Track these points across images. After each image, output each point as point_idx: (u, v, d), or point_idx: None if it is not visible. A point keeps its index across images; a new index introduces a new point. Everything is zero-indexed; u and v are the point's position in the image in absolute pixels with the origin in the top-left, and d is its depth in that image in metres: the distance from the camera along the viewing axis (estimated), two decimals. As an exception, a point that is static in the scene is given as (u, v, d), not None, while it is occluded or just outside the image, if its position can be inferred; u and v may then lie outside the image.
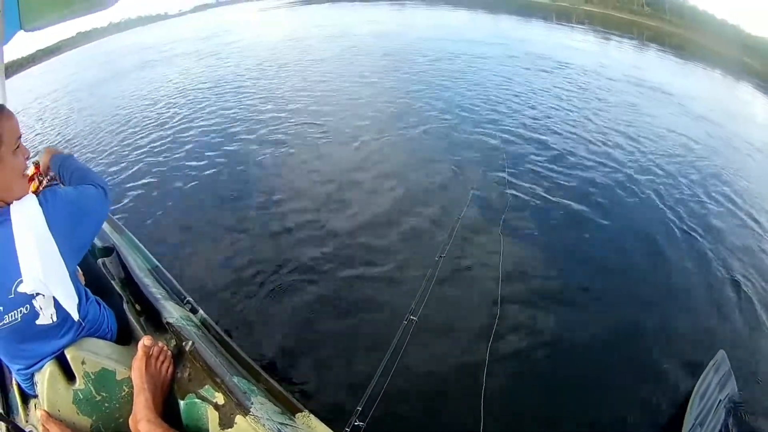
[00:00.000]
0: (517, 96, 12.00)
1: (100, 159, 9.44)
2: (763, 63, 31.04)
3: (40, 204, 1.53)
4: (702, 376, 3.76)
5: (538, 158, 8.04)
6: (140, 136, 10.40)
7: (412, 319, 3.67)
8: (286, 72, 15.59)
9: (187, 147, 9.17)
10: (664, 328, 4.55)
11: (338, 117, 10.13)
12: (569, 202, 6.56)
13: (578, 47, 22.82)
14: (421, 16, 34.46)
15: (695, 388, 3.66)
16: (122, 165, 8.78)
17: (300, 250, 5.52)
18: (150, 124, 11.29)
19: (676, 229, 6.26)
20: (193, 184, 7.44)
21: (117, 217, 4.21)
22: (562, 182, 7.22)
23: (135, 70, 20.48)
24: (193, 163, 8.28)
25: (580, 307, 4.80)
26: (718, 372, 3.80)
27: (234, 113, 11.25)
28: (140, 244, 3.12)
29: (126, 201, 7.08)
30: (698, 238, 6.14)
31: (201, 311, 2.55)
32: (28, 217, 1.48)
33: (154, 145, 9.62)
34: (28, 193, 1.60)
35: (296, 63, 16.92)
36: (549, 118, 10.42)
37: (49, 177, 2.42)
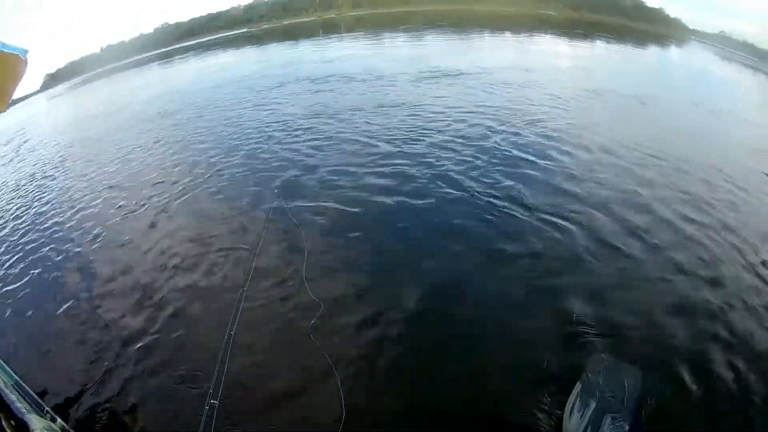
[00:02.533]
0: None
1: None
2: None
3: None
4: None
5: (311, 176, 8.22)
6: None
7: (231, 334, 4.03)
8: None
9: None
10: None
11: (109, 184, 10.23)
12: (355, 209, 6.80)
13: (357, 54, 23.39)
14: (192, 67, 35.27)
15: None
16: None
17: (125, 321, 5.59)
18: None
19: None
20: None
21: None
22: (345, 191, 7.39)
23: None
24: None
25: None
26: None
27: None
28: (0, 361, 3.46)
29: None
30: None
31: (59, 419, 3.14)
32: None
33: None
34: None
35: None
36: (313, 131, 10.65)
37: None
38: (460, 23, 38.58)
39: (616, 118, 11.05)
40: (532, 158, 8.12)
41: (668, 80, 17.26)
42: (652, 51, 33.71)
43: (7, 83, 3.86)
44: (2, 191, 13.29)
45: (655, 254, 5.71)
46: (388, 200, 6.86)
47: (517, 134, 9.30)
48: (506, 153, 8.46)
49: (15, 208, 11.25)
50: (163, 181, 9.46)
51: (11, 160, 18.71)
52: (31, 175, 14.14)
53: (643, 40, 37.75)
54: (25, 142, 21.93)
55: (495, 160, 8.07)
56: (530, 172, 7.63)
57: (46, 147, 18.47)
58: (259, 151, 9.95)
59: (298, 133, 10.70)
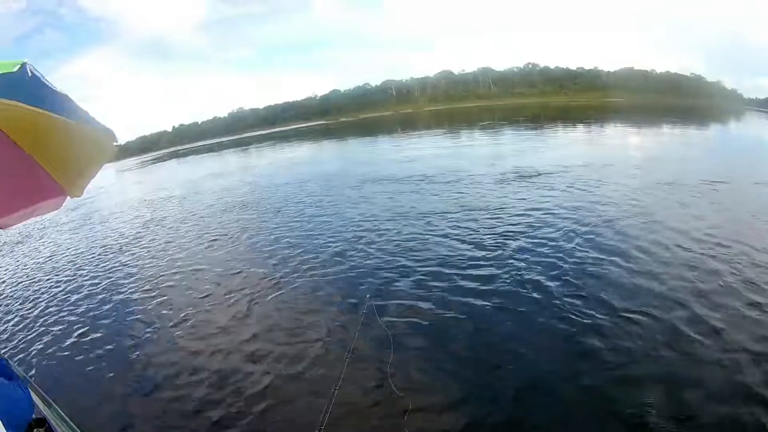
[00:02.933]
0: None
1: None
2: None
3: None
4: None
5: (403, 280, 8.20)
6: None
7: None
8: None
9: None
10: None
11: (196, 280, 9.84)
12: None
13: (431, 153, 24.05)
14: (270, 158, 36.92)
15: None
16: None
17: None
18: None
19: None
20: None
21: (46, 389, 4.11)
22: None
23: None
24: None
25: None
26: None
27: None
28: (68, 419, 3.34)
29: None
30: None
31: None
32: None
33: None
34: None
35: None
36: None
37: None
38: (534, 118, 40.63)
39: (690, 210, 11.07)
40: (612, 258, 8.26)
41: (733, 160, 17.93)
42: (715, 129, 35.35)
43: (91, 166, 3.63)
44: (74, 258, 13.59)
45: (729, 350, 5.60)
46: (477, 303, 6.99)
47: (596, 234, 9.50)
48: (587, 254, 8.58)
49: (89, 279, 11.31)
50: (250, 273, 9.60)
51: (80, 226, 19.57)
52: (104, 246, 14.38)
53: (704, 118, 41.07)
54: (95, 211, 22.98)
55: (577, 262, 8.20)
56: (611, 272, 7.73)
57: (119, 220, 19.20)
58: (348, 250, 10.00)
59: (385, 233, 10.84)
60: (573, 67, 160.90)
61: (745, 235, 8.90)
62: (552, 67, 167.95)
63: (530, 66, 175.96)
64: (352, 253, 9.75)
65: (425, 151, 24.94)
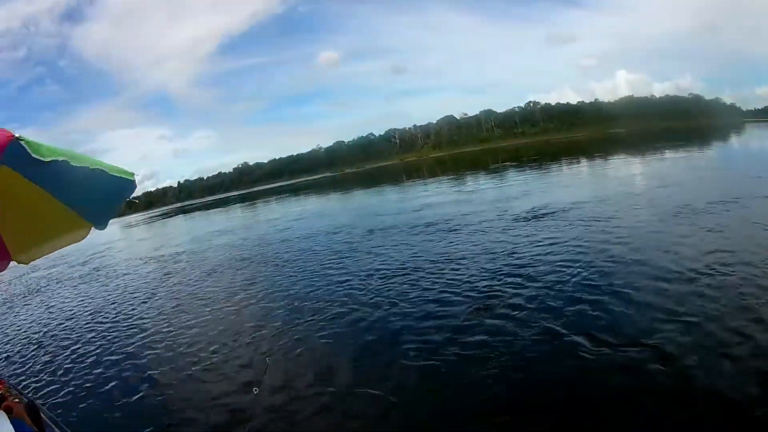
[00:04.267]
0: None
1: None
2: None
3: (13, 426, 2.08)
4: None
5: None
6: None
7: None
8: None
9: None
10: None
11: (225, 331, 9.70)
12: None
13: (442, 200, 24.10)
14: (278, 212, 36.69)
15: None
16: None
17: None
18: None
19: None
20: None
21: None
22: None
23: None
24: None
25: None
26: None
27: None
28: None
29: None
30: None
31: None
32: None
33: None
34: None
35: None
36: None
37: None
38: (537, 157, 41.75)
39: (703, 235, 10.81)
40: (627, 291, 7.96)
41: (739, 177, 18.15)
42: (718, 147, 36.95)
43: (53, 245, 3.98)
44: (86, 310, 13.80)
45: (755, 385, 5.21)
46: (512, 345, 6.70)
47: (609, 272, 9.10)
48: (603, 290, 8.21)
49: (103, 331, 11.34)
50: (261, 326, 9.41)
51: (91, 281, 19.62)
52: (113, 302, 14.38)
53: (706, 138, 41.30)
54: (104, 267, 23.17)
55: (595, 299, 7.85)
56: (628, 308, 7.37)
57: (128, 276, 19.10)
58: (363, 304, 9.50)
59: (396, 283, 10.46)
60: (574, 101, 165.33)
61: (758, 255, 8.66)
62: (553, 104, 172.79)
63: (531, 105, 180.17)
64: (365, 305, 9.42)
65: (431, 198, 25.22)
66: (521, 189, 23.38)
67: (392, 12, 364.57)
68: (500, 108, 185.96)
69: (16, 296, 19.75)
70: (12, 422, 1.93)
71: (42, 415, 3.24)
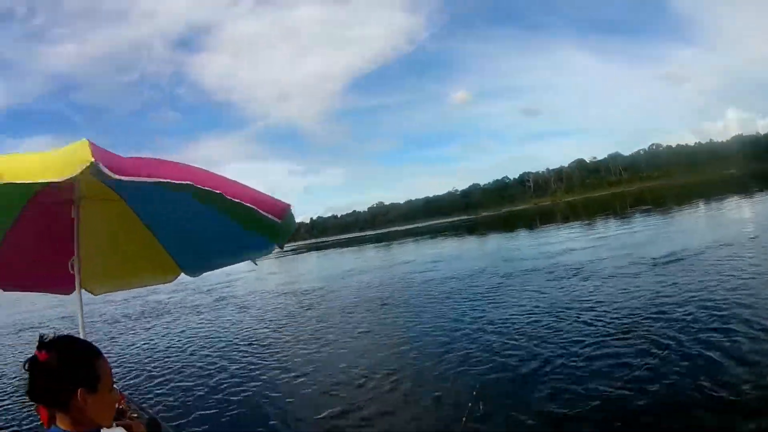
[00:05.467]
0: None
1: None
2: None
3: None
4: None
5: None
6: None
7: None
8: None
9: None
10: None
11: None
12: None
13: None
14: (413, 254, 37.59)
15: None
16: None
17: None
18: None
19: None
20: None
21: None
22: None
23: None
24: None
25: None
26: None
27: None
28: None
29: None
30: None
31: None
32: None
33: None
34: (112, 423, 1.86)
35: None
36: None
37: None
38: (660, 201, 43.61)
39: None
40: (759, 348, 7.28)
41: None
42: None
43: (133, 282, 4.02)
44: (210, 338, 14.36)
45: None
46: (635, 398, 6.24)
47: (735, 322, 8.37)
48: (737, 345, 7.44)
49: (228, 359, 11.47)
50: (398, 368, 9.07)
51: (218, 308, 20.23)
52: (248, 326, 15.30)
53: None
54: (231, 296, 23.85)
55: (726, 351, 7.21)
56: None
57: (256, 307, 19.57)
58: (506, 352, 9.03)
59: (533, 331, 10.11)
60: (691, 142, 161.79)
61: None
62: (673, 145, 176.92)
63: (654, 147, 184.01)
64: (506, 351, 9.00)
65: (565, 244, 25.59)
66: (651, 234, 23.97)
67: (518, 51, 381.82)
68: (625, 150, 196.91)
69: (135, 316, 20.90)
70: None
71: None
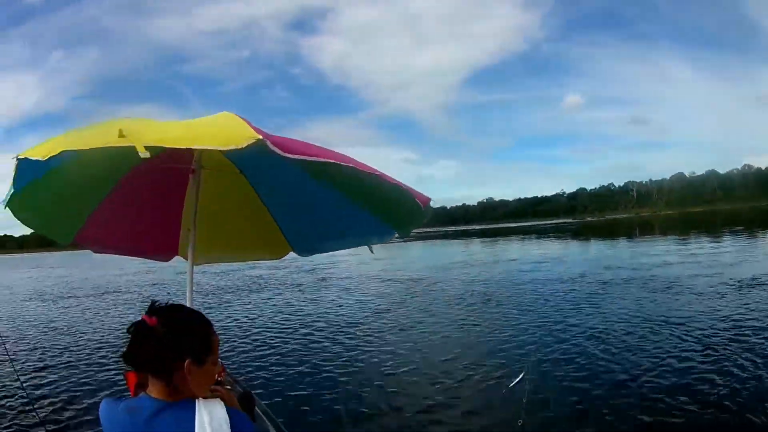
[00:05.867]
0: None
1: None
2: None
3: (229, 414, 1.56)
4: None
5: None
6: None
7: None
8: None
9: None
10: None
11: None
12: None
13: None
14: (516, 253, 38.92)
15: None
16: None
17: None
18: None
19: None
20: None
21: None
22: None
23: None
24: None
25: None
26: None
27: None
28: None
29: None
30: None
31: None
32: (215, 418, 1.53)
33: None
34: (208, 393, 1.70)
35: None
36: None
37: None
38: (750, 223, 44.70)
39: None
40: None
41: None
42: None
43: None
44: (313, 317, 14.32)
45: None
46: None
47: None
48: None
49: (326, 339, 11.55)
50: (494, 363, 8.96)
51: (321, 288, 20.65)
52: (350, 308, 15.50)
53: None
54: (334, 277, 24.41)
55: None
56: None
57: (358, 290, 19.77)
58: (596, 361, 8.96)
59: (629, 341, 10.02)
60: None
61: None
62: (763, 168, 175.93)
63: (746, 167, 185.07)
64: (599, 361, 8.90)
65: (660, 257, 25.74)
66: (740, 255, 24.19)
67: (626, 59, 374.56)
68: (721, 167, 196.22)
69: (233, 289, 21.18)
70: (228, 410, 1.63)
71: (256, 407, 3.24)
